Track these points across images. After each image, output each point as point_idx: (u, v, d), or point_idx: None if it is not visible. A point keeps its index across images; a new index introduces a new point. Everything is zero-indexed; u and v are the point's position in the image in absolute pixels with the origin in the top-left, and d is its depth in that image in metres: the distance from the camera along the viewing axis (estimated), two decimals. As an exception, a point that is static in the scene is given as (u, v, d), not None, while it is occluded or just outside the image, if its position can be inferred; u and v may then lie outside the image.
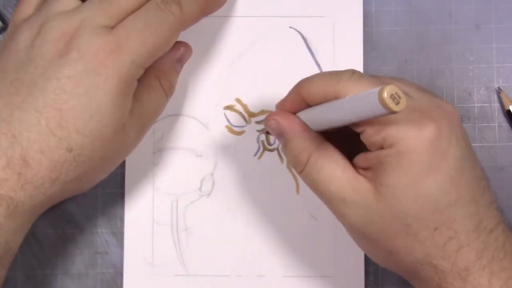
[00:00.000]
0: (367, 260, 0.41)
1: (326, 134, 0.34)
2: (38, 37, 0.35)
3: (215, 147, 0.42)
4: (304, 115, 0.34)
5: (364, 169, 0.32)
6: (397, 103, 0.27)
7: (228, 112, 0.42)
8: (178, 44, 0.40)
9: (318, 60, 0.41)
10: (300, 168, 0.34)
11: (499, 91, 0.41)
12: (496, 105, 0.42)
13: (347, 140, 0.34)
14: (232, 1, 0.42)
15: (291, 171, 0.41)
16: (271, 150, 0.42)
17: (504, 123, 0.42)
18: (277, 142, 0.41)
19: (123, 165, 0.41)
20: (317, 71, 0.41)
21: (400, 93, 0.27)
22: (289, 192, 0.41)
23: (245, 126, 0.42)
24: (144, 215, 0.41)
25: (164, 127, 0.42)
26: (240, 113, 0.42)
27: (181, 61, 0.40)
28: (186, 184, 0.41)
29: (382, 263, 0.34)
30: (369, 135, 0.31)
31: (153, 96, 0.37)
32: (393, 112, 0.28)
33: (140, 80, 0.37)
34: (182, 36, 0.42)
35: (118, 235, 0.41)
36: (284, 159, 0.41)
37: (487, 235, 0.31)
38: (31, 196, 0.33)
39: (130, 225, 0.41)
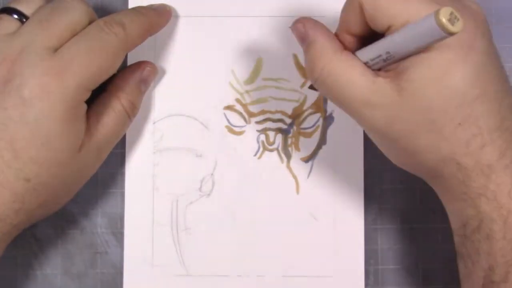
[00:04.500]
0: (367, 260, 0.41)
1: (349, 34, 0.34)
2: None
3: (215, 147, 0.42)
4: (361, 53, 0.33)
5: (386, 70, 0.32)
6: (454, 24, 0.27)
7: (228, 112, 0.42)
8: (143, 64, 0.40)
9: (318, 60, 0.41)
10: (316, 74, 0.33)
11: None
12: (496, 105, 0.42)
13: (368, 39, 0.33)
14: (233, 1, 0.42)
15: (291, 171, 0.41)
16: (271, 150, 0.42)
17: (504, 123, 0.42)
18: (277, 142, 0.41)
19: (123, 165, 0.41)
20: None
21: (455, 13, 0.27)
22: (289, 192, 0.41)
23: (245, 126, 0.42)
24: (144, 215, 0.41)
25: (164, 127, 0.42)
26: (240, 113, 0.42)
27: (145, 81, 0.40)
28: (186, 184, 0.41)
29: (404, 163, 0.34)
30: (394, 31, 0.31)
31: (113, 118, 0.38)
32: (452, 34, 0.27)
33: (101, 101, 0.38)
34: (181, 36, 0.42)
35: (118, 235, 0.41)
36: (284, 159, 0.41)
37: (509, 135, 0.31)
38: None
39: (130, 225, 0.41)
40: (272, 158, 0.42)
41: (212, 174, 0.41)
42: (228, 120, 0.42)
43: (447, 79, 0.30)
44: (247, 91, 0.42)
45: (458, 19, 0.27)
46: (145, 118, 0.41)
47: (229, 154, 0.41)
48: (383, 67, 0.32)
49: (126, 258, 0.41)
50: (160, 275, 0.41)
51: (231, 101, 0.42)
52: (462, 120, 0.31)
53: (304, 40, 0.34)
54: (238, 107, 0.42)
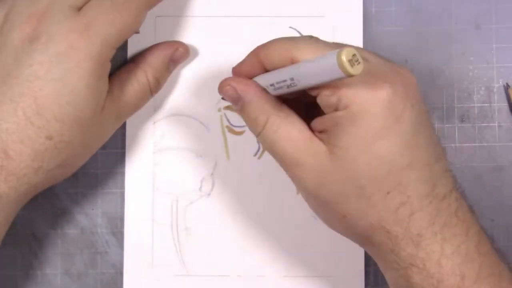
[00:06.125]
0: (367, 260, 0.41)
1: (286, 100, 0.34)
2: (6, 24, 0.34)
3: (215, 147, 0.42)
4: (261, 80, 0.33)
5: (320, 132, 0.32)
6: (354, 66, 0.27)
7: (228, 112, 0.42)
8: (176, 44, 0.40)
9: (318, 60, 0.41)
10: (258, 130, 0.33)
11: (507, 87, 0.41)
12: (496, 105, 0.42)
13: (306, 106, 0.34)
14: (233, 1, 0.42)
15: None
16: (271, 150, 0.42)
17: (504, 123, 0.42)
18: (277, 142, 0.41)
19: (123, 164, 0.41)
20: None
21: (358, 56, 0.27)
22: (289, 192, 0.41)
23: (245, 126, 0.42)
24: (144, 215, 0.41)
25: (164, 127, 0.41)
26: (240, 113, 0.42)
27: (176, 62, 0.40)
28: (186, 184, 0.41)
29: (336, 228, 0.34)
30: (324, 97, 0.31)
31: (136, 88, 0.38)
32: (350, 75, 0.27)
33: (126, 69, 0.38)
34: (181, 36, 0.42)
35: (118, 235, 0.41)
36: (284, 159, 0.41)
37: (440, 201, 0.31)
38: (14, 187, 0.33)
39: (130, 225, 0.41)
40: (272, 158, 0.41)
41: (212, 174, 0.41)
42: (228, 120, 0.42)
43: (375, 148, 0.30)
44: (247, 91, 0.42)
45: (359, 62, 0.27)
46: (145, 118, 0.41)
47: (229, 154, 0.41)
48: (286, 94, 0.32)
49: (126, 258, 0.41)
50: (160, 275, 0.41)
51: (231, 101, 0.42)
52: (391, 188, 0.30)
53: (237, 101, 0.34)
54: (238, 107, 0.42)
